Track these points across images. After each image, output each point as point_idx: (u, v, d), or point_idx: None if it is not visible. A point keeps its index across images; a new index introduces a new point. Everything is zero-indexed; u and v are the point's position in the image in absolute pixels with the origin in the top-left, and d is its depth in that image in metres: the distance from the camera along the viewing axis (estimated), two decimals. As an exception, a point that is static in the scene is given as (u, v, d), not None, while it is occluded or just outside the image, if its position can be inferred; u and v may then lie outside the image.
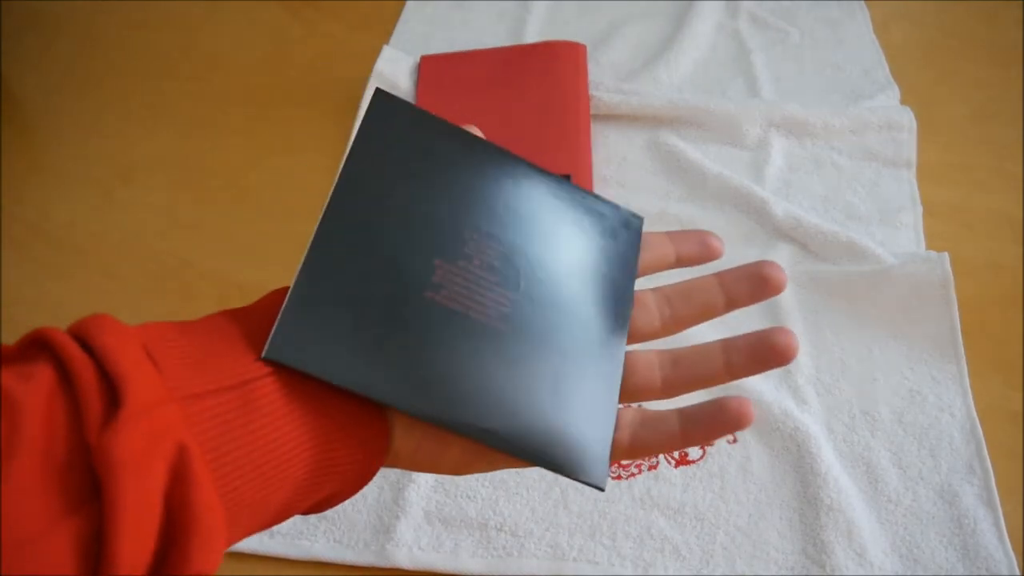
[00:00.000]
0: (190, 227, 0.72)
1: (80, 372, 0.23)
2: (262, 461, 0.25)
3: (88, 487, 0.22)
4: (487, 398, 0.30)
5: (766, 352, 0.33)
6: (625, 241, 0.37)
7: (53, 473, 0.22)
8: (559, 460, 0.31)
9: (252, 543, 0.51)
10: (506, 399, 0.31)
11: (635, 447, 0.32)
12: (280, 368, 0.26)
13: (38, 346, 0.24)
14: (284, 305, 0.29)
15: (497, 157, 0.38)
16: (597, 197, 0.37)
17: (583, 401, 0.32)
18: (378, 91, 0.35)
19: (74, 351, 0.23)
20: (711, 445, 0.55)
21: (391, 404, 0.29)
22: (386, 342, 0.30)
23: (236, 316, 0.28)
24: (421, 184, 0.34)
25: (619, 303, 0.35)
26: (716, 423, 0.32)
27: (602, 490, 0.31)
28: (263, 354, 0.27)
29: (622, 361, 0.33)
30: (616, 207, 0.38)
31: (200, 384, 0.24)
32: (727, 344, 0.33)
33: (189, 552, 0.22)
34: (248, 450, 0.25)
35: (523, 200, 0.36)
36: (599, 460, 0.31)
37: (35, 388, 0.22)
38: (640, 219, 0.38)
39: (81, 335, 0.24)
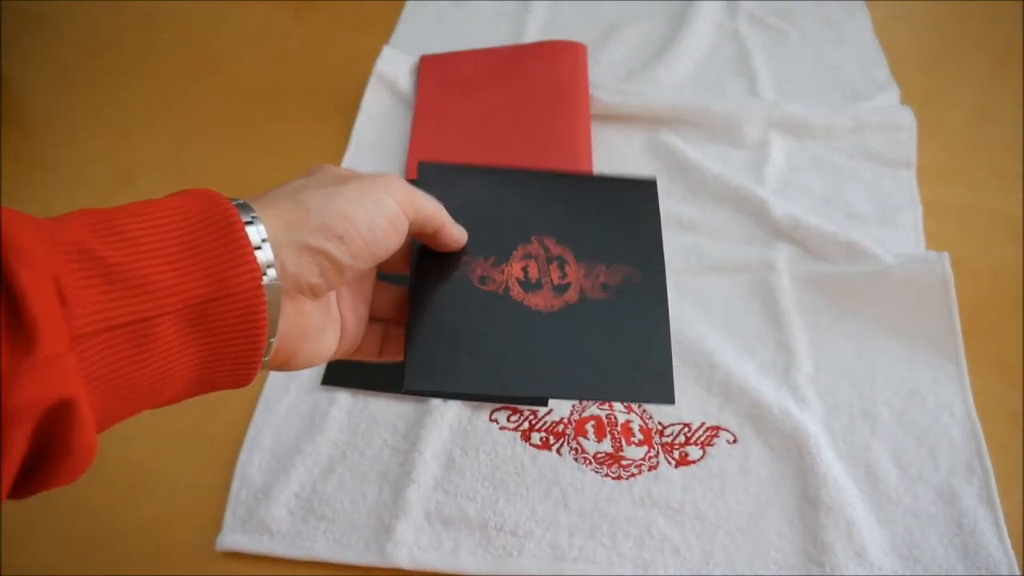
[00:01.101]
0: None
1: None
2: (146, 388, 0.29)
3: None
4: (566, 367, 0.41)
5: None
6: (646, 199, 0.46)
7: None
8: (633, 395, 0.43)
9: (252, 543, 0.51)
10: (582, 364, 0.41)
11: (383, 356, 0.43)
12: (179, 311, 0.29)
13: None
14: (407, 348, 0.40)
15: (526, 176, 0.47)
16: (613, 177, 0.48)
17: (641, 345, 0.42)
18: (421, 163, 0.44)
19: None
20: (711, 446, 0.55)
21: (496, 392, 0.40)
22: (481, 352, 0.40)
23: (157, 219, 0.30)
24: (477, 215, 0.43)
25: (651, 252, 0.44)
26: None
27: (671, 403, 0.41)
28: (403, 388, 0.39)
29: (665, 299, 0.43)
30: (627, 180, 0.47)
31: (107, 318, 0.27)
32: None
33: (59, 474, 0.27)
34: (135, 381, 0.29)
35: (559, 200, 0.45)
36: (665, 385, 0.41)
37: None
38: (651, 181, 0.47)
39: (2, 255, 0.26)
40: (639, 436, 0.55)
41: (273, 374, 0.60)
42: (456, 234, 0.42)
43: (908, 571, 0.48)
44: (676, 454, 0.54)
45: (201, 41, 0.92)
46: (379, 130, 0.79)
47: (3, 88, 0.87)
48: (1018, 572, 0.48)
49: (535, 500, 0.52)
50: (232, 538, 0.52)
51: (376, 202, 0.36)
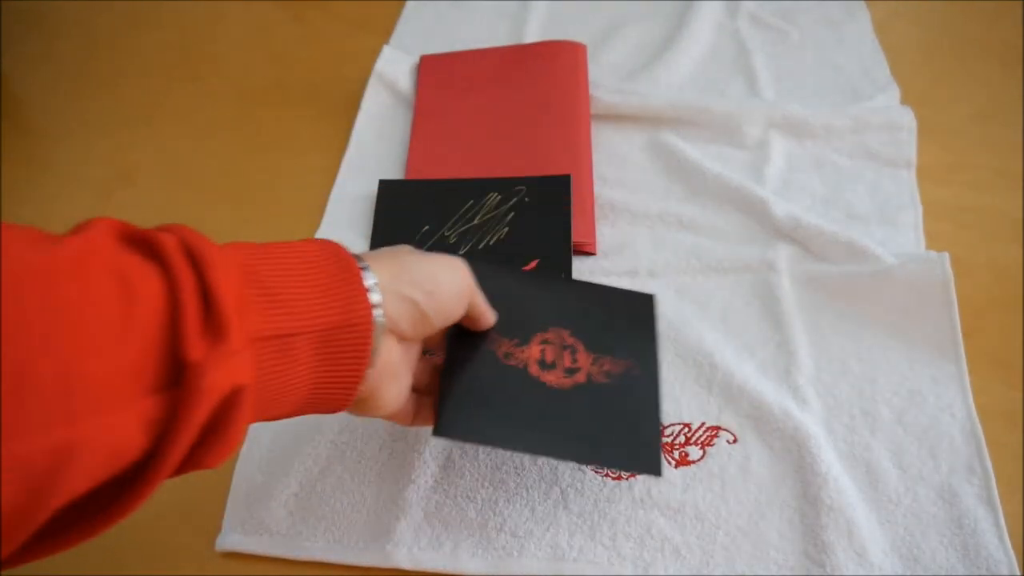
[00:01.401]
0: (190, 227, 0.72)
1: (187, 300, 0.30)
2: (274, 397, 0.35)
3: (166, 380, 0.29)
4: (571, 436, 0.48)
5: None
6: (644, 312, 0.55)
7: (151, 360, 0.29)
8: (624, 464, 0.49)
9: (252, 543, 0.51)
10: (584, 434, 0.48)
11: (414, 424, 0.48)
12: (316, 332, 0.35)
13: (151, 253, 0.31)
14: (441, 403, 0.47)
15: (547, 278, 0.60)
16: (619, 289, 0.56)
17: (635, 424, 0.49)
18: (466, 259, 0.49)
19: (185, 279, 0.30)
20: (711, 446, 0.55)
21: (508, 449, 0.52)
22: (501, 414, 0.48)
23: (297, 257, 0.37)
24: (506, 304, 0.51)
25: (648, 352, 0.53)
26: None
27: (658, 475, 0.49)
28: (433, 432, 0.46)
29: (659, 388, 0.51)
30: (632, 293, 0.56)
31: (264, 328, 0.33)
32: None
33: (210, 457, 0.32)
34: (270, 388, 0.34)
35: (574, 300, 0.54)
36: (652, 459, 0.48)
37: (149, 291, 0.30)
38: (650, 296, 0.56)
39: (191, 255, 0.32)
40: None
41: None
42: (491, 317, 0.49)
43: (908, 571, 0.48)
44: (676, 454, 0.54)
45: (201, 41, 0.92)
46: (379, 130, 0.79)
47: (3, 88, 0.87)
48: (1018, 573, 0.48)
49: (535, 500, 0.52)
50: (231, 538, 0.52)
51: (454, 273, 0.44)
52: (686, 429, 0.55)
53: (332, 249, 0.38)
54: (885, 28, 0.88)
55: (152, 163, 0.78)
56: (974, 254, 0.65)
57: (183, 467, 0.32)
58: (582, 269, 0.65)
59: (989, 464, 0.52)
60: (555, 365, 0.50)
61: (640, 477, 0.53)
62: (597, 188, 0.71)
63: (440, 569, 0.50)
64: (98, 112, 0.84)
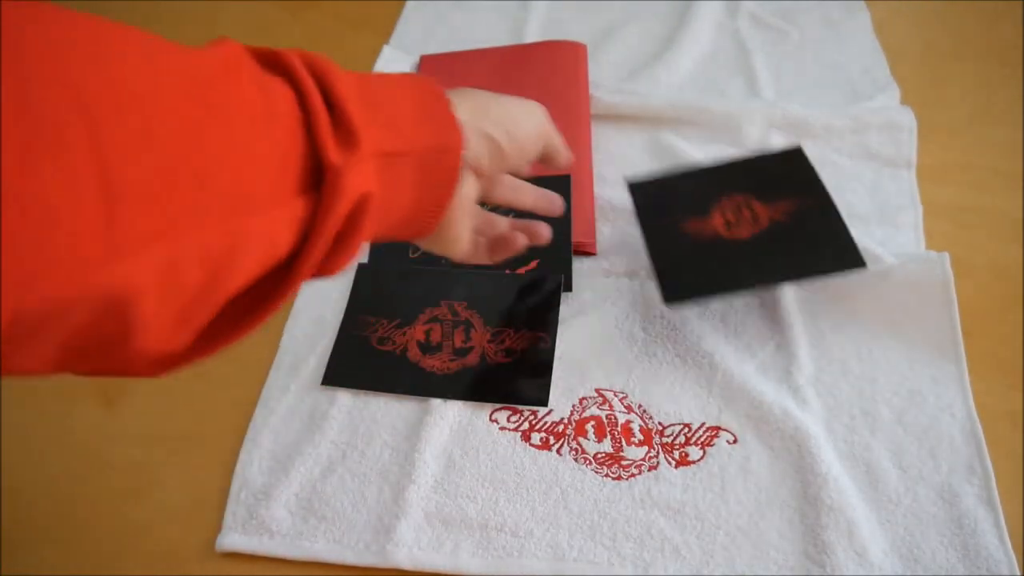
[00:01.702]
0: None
1: (318, 110, 0.32)
2: (389, 210, 0.37)
3: (309, 182, 0.32)
4: (777, 263, 0.55)
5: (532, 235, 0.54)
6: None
7: (297, 163, 0.31)
8: (831, 266, 0.56)
9: (252, 543, 0.52)
10: (786, 257, 0.56)
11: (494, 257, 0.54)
12: (417, 153, 0.37)
13: (279, 69, 0.33)
14: (659, 277, 0.56)
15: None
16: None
17: (824, 237, 0.57)
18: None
19: (313, 90, 0.32)
20: (711, 447, 0.55)
21: (734, 290, 0.57)
22: (709, 269, 0.56)
23: (397, 86, 0.39)
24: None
25: (817, 194, 0.59)
26: (529, 232, 0.54)
27: (864, 267, 0.55)
28: (664, 301, 0.55)
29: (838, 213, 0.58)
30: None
31: (379, 145, 0.35)
32: (513, 223, 0.55)
33: (335, 263, 0.35)
34: (387, 200, 0.36)
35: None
36: (854, 253, 0.56)
37: (285, 100, 0.31)
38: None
39: (316, 74, 0.33)
40: (639, 436, 0.55)
41: (273, 375, 0.60)
42: (567, 156, 0.53)
43: (908, 571, 0.48)
44: (676, 454, 0.54)
45: (201, 41, 0.92)
46: (379, 130, 0.79)
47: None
48: (1019, 573, 0.48)
49: (535, 500, 0.52)
50: (232, 538, 0.52)
51: (533, 115, 0.47)
52: (686, 429, 0.55)
53: (426, 81, 0.41)
54: (885, 28, 0.88)
55: (152, 163, 0.78)
56: (974, 254, 0.65)
57: (315, 270, 0.34)
58: (582, 269, 0.65)
59: (989, 464, 0.52)
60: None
61: (641, 477, 0.53)
62: (597, 188, 0.71)
63: (440, 569, 0.50)
64: (98, 112, 0.84)
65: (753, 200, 0.60)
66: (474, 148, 0.42)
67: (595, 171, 0.73)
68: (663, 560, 0.50)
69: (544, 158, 0.50)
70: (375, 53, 0.84)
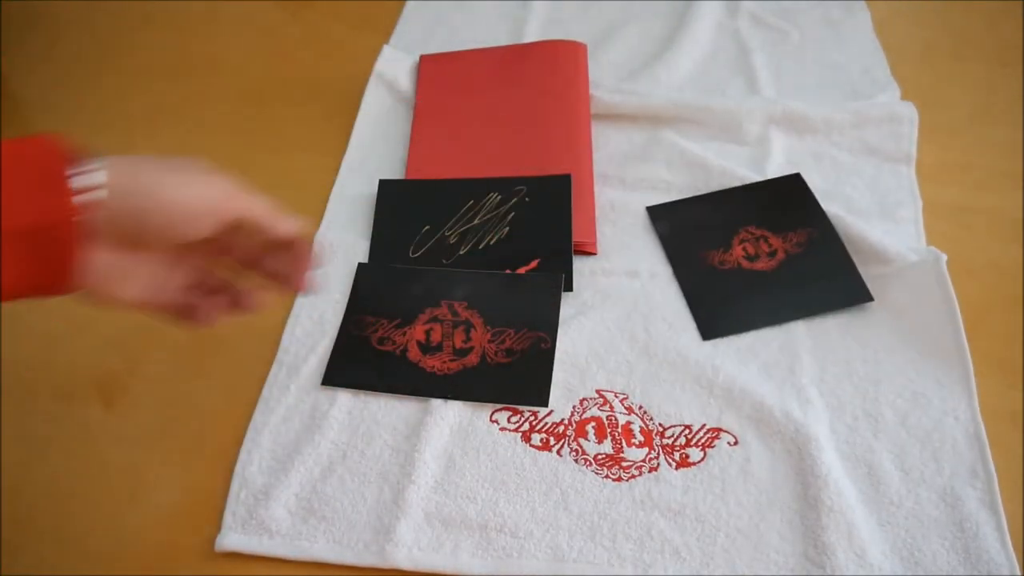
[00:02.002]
0: (190, 227, 0.72)
1: None
2: None
3: None
4: (792, 300, 0.60)
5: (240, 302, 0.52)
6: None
7: None
8: (842, 302, 0.61)
9: (252, 543, 0.51)
10: (802, 293, 0.61)
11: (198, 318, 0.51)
12: (10, 229, 0.36)
13: None
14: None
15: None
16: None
17: (834, 273, 0.62)
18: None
19: None
20: (712, 448, 0.54)
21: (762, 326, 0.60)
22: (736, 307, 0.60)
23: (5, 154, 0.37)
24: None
25: (822, 225, 0.63)
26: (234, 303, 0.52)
27: (871, 300, 0.61)
28: (704, 337, 0.57)
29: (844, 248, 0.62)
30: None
31: None
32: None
33: None
34: None
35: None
36: (861, 287, 0.61)
37: None
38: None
39: None
40: (640, 438, 0.55)
41: (274, 375, 0.60)
42: (284, 223, 0.48)
43: (909, 573, 0.48)
44: (677, 456, 0.54)
45: (201, 41, 0.92)
46: (379, 130, 0.79)
47: (3, 88, 0.87)
48: (1019, 574, 0.48)
49: (535, 501, 0.52)
50: (232, 538, 0.52)
51: (194, 191, 0.44)
52: (687, 431, 0.55)
53: (44, 148, 0.38)
54: (885, 28, 0.87)
55: (152, 163, 0.78)
56: (974, 254, 0.65)
57: None
58: (583, 269, 0.65)
59: (992, 468, 0.52)
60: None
61: (641, 479, 0.53)
62: (597, 188, 0.71)
63: (440, 569, 0.50)
64: (97, 112, 0.84)
65: (768, 234, 0.65)
66: (110, 218, 0.40)
67: (595, 170, 0.73)
68: (663, 561, 0.50)
69: (251, 227, 0.47)
70: (375, 53, 0.84)
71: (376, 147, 0.77)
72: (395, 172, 0.75)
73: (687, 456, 0.54)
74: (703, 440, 0.55)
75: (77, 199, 0.38)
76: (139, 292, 0.46)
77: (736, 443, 0.55)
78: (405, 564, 0.50)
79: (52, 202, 0.37)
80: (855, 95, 0.79)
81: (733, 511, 0.51)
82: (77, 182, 0.38)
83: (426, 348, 0.59)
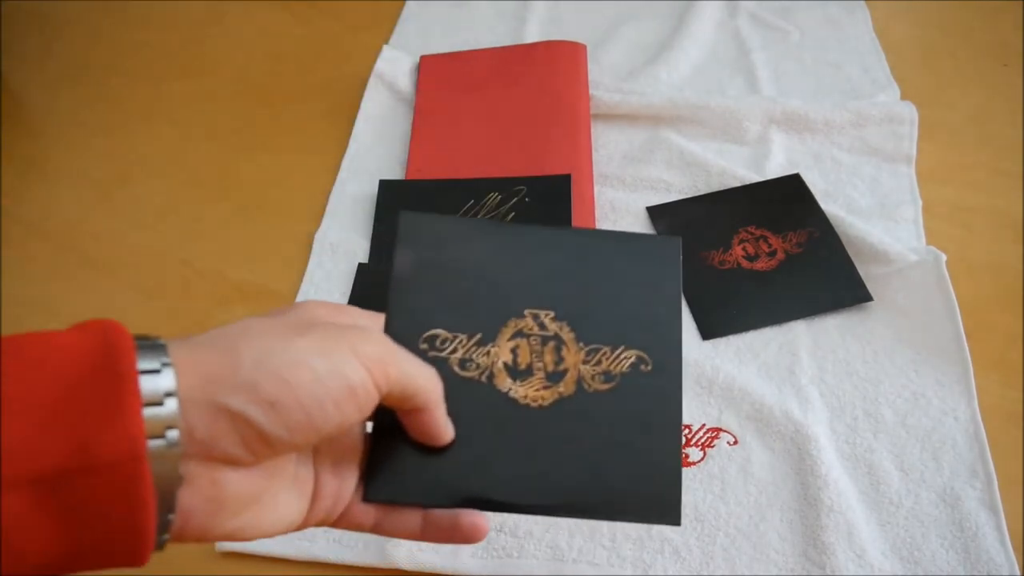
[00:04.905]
0: (190, 227, 0.72)
1: None
2: None
3: None
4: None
5: (454, 533, 0.34)
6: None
7: None
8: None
9: (251, 543, 0.51)
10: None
11: (378, 530, 0.34)
12: (30, 481, 0.24)
13: None
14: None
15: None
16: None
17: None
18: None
19: None
20: (711, 448, 0.55)
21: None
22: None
23: (36, 364, 0.25)
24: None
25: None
26: (451, 534, 0.34)
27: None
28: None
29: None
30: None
31: None
32: (427, 513, 0.34)
33: None
34: None
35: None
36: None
37: None
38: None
39: None
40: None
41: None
42: (443, 424, 0.34)
43: (908, 573, 0.48)
44: (676, 455, 0.54)
45: (201, 41, 0.92)
46: (379, 130, 0.79)
47: (3, 88, 0.87)
48: (1019, 574, 0.48)
49: (535, 501, 0.52)
50: (232, 539, 0.52)
51: (334, 366, 0.28)
52: (687, 431, 0.55)
53: (100, 342, 0.26)
54: (885, 28, 0.87)
55: (152, 163, 0.78)
56: (974, 254, 0.65)
57: None
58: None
59: (992, 468, 0.52)
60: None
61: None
62: (597, 188, 0.71)
63: (439, 569, 0.50)
64: (98, 112, 0.84)
65: (768, 234, 0.65)
66: (204, 434, 0.26)
67: (595, 170, 0.73)
68: (663, 561, 0.50)
69: (399, 407, 0.32)
70: (375, 53, 0.84)
71: (376, 147, 0.78)
72: (395, 172, 0.75)
73: (687, 456, 0.54)
74: (703, 440, 0.55)
75: (157, 411, 0.25)
76: (292, 510, 0.32)
77: (736, 443, 0.55)
78: (405, 564, 0.50)
79: (100, 428, 0.24)
80: (855, 95, 0.79)
81: (733, 511, 0.51)
82: (149, 385, 0.25)
83: None
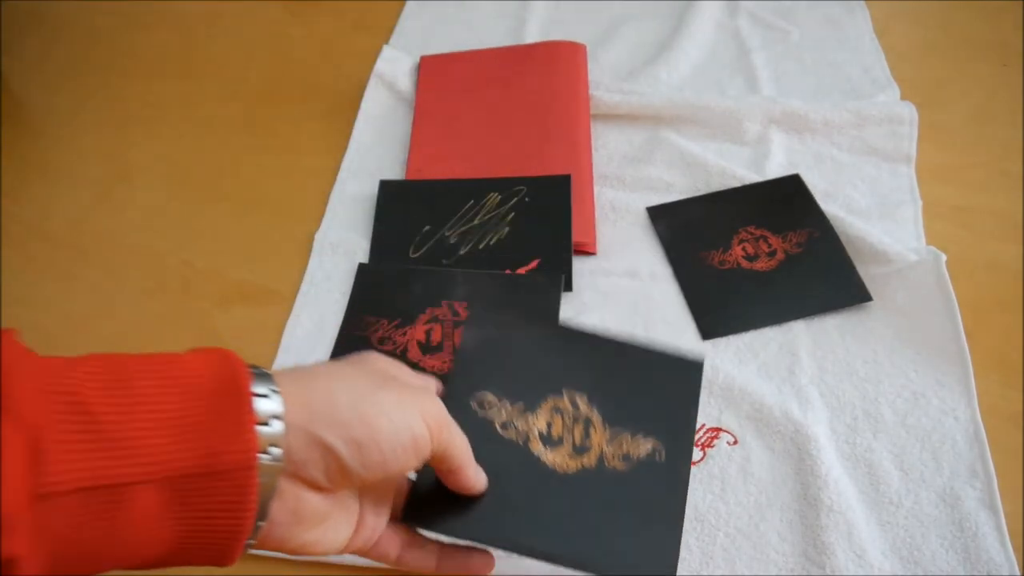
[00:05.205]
0: (190, 227, 0.72)
1: None
2: (113, 554, 0.28)
3: None
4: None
5: (467, 567, 0.41)
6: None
7: None
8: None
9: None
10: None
11: (400, 562, 0.40)
12: (161, 480, 0.28)
13: None
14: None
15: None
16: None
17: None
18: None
19: None
20: (711, 448, 0.54)
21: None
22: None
23: (168, 379, 0.29)
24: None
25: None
26: (464, 567, 0.41)
27: None
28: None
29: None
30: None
31: (82, 478, 0.26)
32: (443, 551, 0.41)
33: None
34: (101, 545, 0.28)
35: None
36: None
37: None
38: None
39: None
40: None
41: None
42: (474, 479, 0.39)
43: (908, 573, 0.48)
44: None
45: (201, 41, 0.92)
46: (379, 130, 0.79)
47: (3, 88, 0.87)
48: (1019, 574, 0.48)
49: (535, 501, 0.52)
50: (232, 539, 0.52)
51: (406, 419, 0.34)
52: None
53: (222, 367, 0.31)
54: (885, 28, 0.87)
55: (151, 163, 0.78)
56: (974, 254, 0.65)
57: None
58: (583, 269, 0.65)
59: (992, 468, 0.52)
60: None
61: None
62: (597, 188, 0.71)
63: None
64: (97, 112, 0.84)
65: (768, 234, 0.65)
66: (300, 456, 0.31)
67: (595, 170, 0.73)
68: (663, 561, 0.50)
69: (434, 463, 0.37)
70: (375, 53, 0.84)
71: (376, 147, 0.78)
72: (395, 172, 0.75)
73: (687, 456, 0.54)
74: (703, 440, 0.55)
75: (261, 434, 0.30)
76: (338, 536, 0.37)
77: (736, 443, 0.55)
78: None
79: (222, 442, 0.29)
80: (855, 95, 0.79)
81: (733, 511, 0.51)
82: (262, 407, 0.30)
83: (426, 348, 0.59)
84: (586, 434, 0.42)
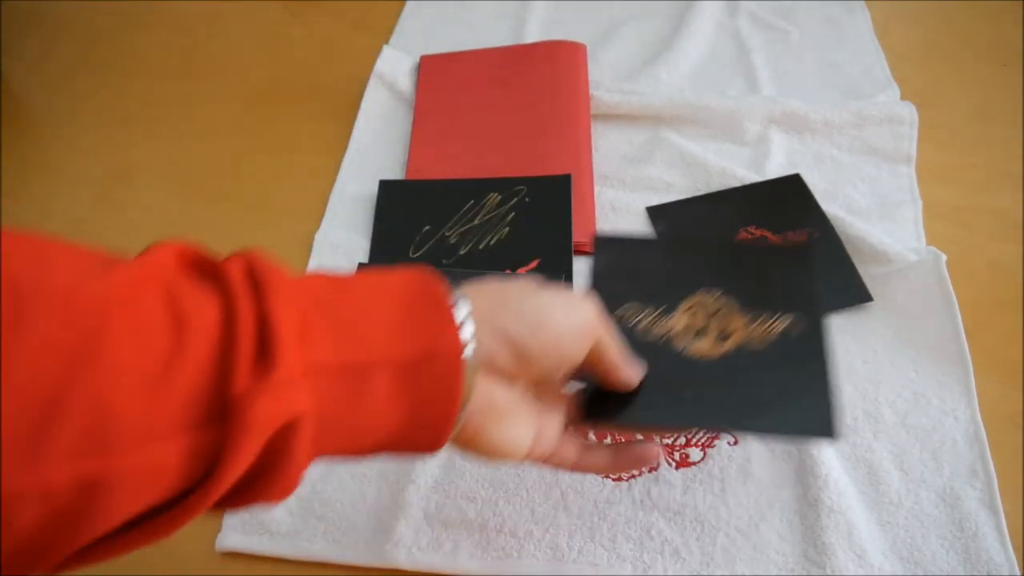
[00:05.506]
0: (189, 227, 0.72)
1: (242, 329, 0.28)
2: (354, 433, 0.32)
3: (215, 413, 0.27)
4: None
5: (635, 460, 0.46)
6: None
7: (196, 393, 0.27)
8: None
9: (251, 543, 0.51)
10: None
11: (578, 465, 0.44)
12: (394, 364, 0.32)
13: (214, 279, 0.30)
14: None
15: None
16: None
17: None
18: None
19: (244, 306, 0.29)
20: (711, 448, 0.54)
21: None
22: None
23: (379, 287, 0.34)
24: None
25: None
26: (636, 459, 0.46)
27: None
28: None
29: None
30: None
31: (335, 359, 0.31)
32: (615, 449, 0.45)
33: (269, 491, 0.30)
34: (347, 423, 0.32)
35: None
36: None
37: (203, 320, 0.28)
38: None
39: (255, 281, 0.30)
40: (639, 437, 0.55)
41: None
42: (632, 370, 0.43)
43: (908, 573, 0.48)
44: (677, 456, 0.54)
45: (201, 41, 0.92)
46: (379, 130, 0.79)
47: (3, 88, 0.87)
48: (1019, 574, 0.48)
49: (535, 501, 0.52)
50: (232, 538, 0.52)
51: (572, 309, 0.39)
52: (686, 431, 0.55)
53: (420, 278, 0.35)
54: (885, 28, 0.87)
55: (151, 163, 0.78)
56: (974, 254, 0.65)
57: (239, 500, 0.30)
58: (583, 269, 0.65)
59: (992, 468, 0.52)
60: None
61: (641, 479, 0.53)
62: (597, 188, 0.71)
63: (440, 569, 0.50)
64: (97, 112, 0.84)
65: (768, 234, 0.65)
66: (488, 346, 0.36)
67: (595, 170, 0.73)
68: (663, 561, 0.50)
69: (593, 363, 0.42)
70: (375, 53, 0.84)
71: (376, 147, 0.78)
72: (395, 172, 0.75)
73: (687, 456, 0.54)
74: (703, 440, 0.55)
75: (462, 329, 0.34)
76: (520, 437, 0.40)
77: (736, 443, 0.55)
78: (404, 564, 0.50)
79: (434, 332, 0.33)
80: (855, 95, 0.79)
81: (733, 511, 0.51)
82: (457, 310, 0.34)
83: None
84: (725, 322, 0.47)
